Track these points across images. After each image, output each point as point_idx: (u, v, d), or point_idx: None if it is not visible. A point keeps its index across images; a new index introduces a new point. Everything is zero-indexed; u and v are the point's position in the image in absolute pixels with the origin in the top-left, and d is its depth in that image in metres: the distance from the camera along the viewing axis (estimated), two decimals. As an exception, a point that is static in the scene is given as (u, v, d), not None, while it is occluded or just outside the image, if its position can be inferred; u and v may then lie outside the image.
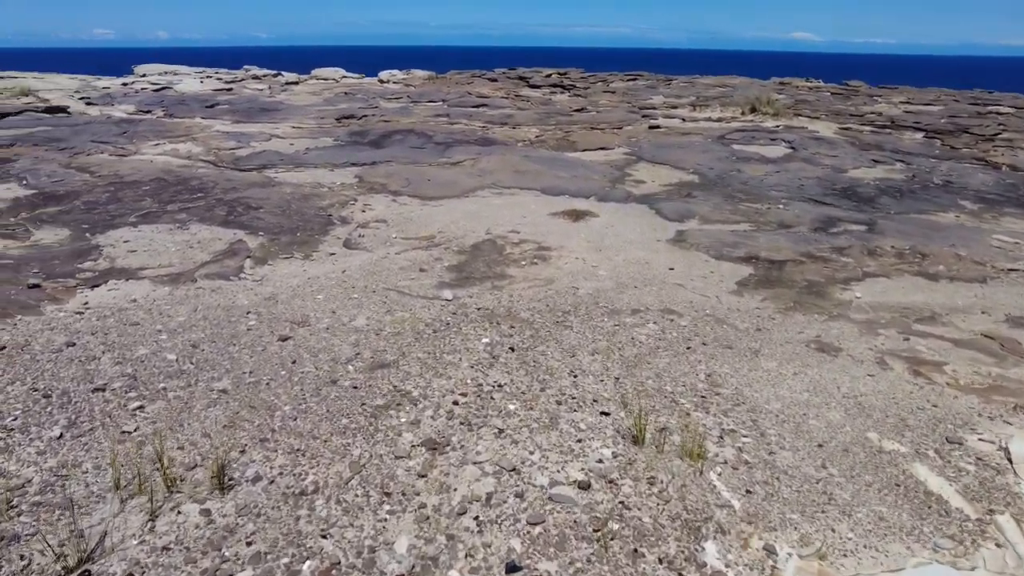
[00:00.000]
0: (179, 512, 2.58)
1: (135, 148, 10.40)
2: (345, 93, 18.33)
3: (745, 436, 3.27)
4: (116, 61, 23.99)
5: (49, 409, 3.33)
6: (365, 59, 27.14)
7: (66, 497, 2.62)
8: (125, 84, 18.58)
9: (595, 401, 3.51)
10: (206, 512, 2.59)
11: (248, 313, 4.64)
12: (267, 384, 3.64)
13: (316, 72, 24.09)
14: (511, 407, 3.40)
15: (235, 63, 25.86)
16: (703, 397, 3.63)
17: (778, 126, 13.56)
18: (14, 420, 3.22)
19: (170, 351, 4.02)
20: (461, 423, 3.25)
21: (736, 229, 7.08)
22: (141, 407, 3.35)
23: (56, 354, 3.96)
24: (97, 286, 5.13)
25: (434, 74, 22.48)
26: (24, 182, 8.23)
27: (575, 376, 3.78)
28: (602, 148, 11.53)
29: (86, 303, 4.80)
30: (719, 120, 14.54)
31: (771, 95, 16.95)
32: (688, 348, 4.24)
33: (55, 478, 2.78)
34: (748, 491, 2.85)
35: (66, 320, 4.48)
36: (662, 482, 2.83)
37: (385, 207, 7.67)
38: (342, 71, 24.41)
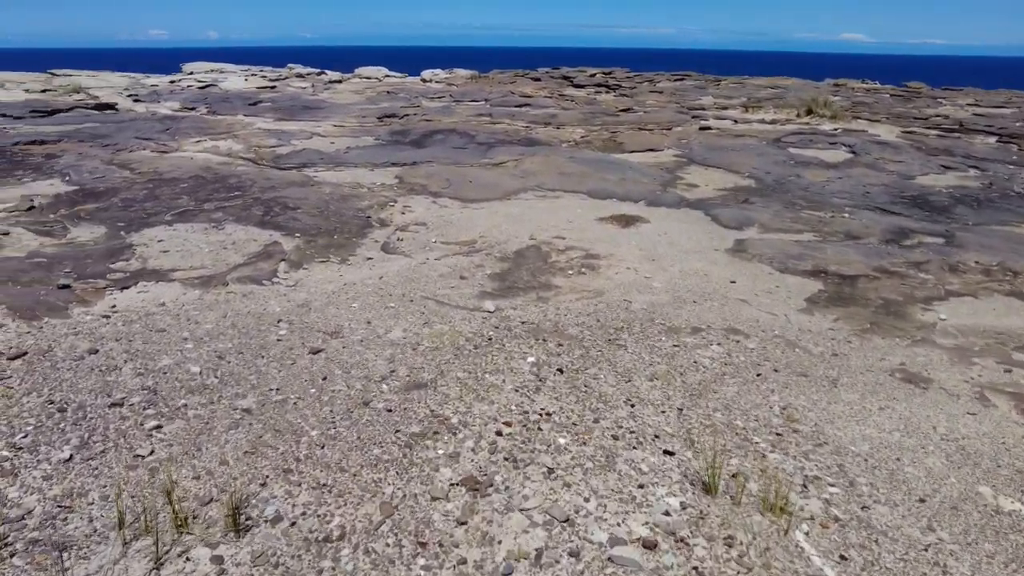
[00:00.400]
0: (187, 559, 2.28)
1: (176, 145, 10.34)
2: (387, 92, 18.19)
3: (832, 485, 2.83)
4: (168, 60, 24.37)
5: (62, 425, 3.08)
6: (409, 59, 27.07)
7: (64, 536, 2.34)
8: (172, 82, 18.78)
9: (656, 437, 3.11)
10: (217, 560, 2.29)
11: (279, 322, 4.36)
12: (294, 404, 3.33)
13: (359, 71, 24.09)
14: (561, 441, 3.02)
15: (280, 62, 26.07)
16: (779, 435, 3.19)
17: (836, 129, 12.86)
18: (24, 437, 2.98)
19: (194, 362, 3.76)
20: (505, 459, 2.88)
21: (800, 239, 6.56)
22: (158, 427, 3.08)
23: (77, 362, 3.73)
24: (127, 288, 4.93)
25: (477, 73, 22.22)
26: (67, 178, 8.18)
27: (632, 405, 3.38)
28: (651, 150, 11.06)
29: (114, 306, 4.59)
30: (773, 122, 13.89)
31: (827, 97, 16.18)
32: (758, 375, 3.80)
33: (58, 509, 2.51)
34: (843, 556, 2.42)
35: (92, 324, 4.27)
36: (742, 543, 2.42)
37: (425, 209, 7.37)
38: (385, 70, 24.36)
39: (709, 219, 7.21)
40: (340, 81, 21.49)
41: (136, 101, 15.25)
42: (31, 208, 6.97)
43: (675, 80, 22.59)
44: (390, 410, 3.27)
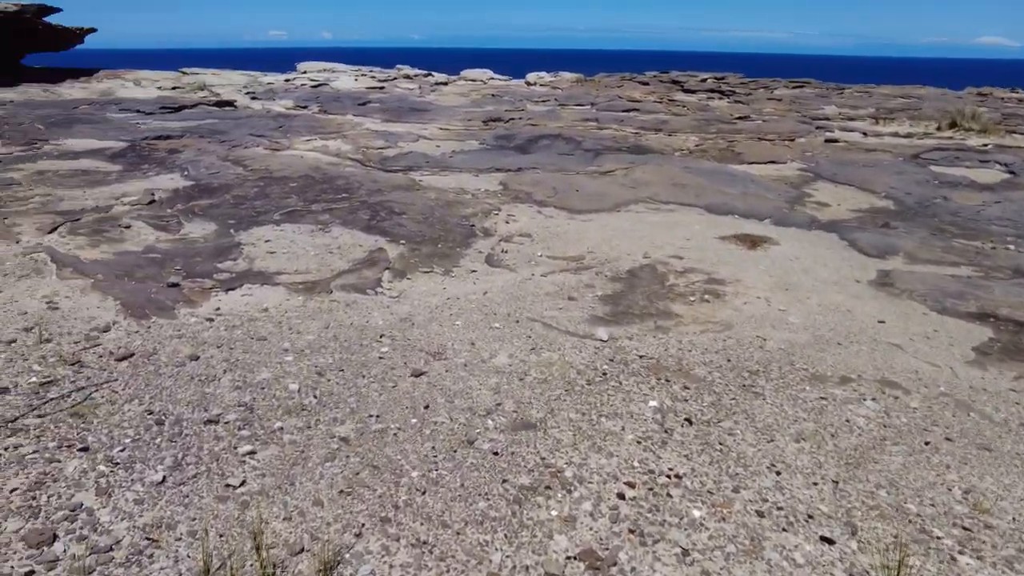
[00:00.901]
0: (273, 627, 2.01)
1: (288, 143, 10.56)
2: (492, 95, 18.10)
3: (1051, 609, 2.22)
4: (286, 59, 25.45)
5: (159, 441, 2.94)
6: (513, 61, 26.99)
7: (146, 581, 2.14)
8: (287, 80, 19.51)
9: (810, 517, 2.60)
10: (306, 631, 2.00)
11: (381, 337, 4.13)
12: (394, 435, 3.06)
13: (464, 73, 24.23)
14: (696, 513, 2.57)
15: (389, 62, 26.67)
16: (967, 529, 2.59)
17: (987, 145, 11.50)
18: (122, 451, 2.85)
19: (293, 378, 3.57)
20: (631, 531, 2.46)
21: (956, 273, 5.72)
22: (252, 452, 2.88)
23: (178, 369, 3.63)
24: (232, 289, 4.88)
25: (582, 76, 21.79)
26: (185, 173, 8.46)
27: (778, 473, 2.87)
28: (772, 162, 10.25)
29: (218, 309, 4.53)
30: (908, 136, 12.64)
31: (973, 108, 14.60)
32: (927, 444, 3.18)
33: (145, 542, 2.33)
34: None
35: (195, 328, 4.20)
36: None
37: (530, 219, 7.04)
38: (489, 72, 24.38)
39: (846, 244, 6.46)
40: (446, 83, 21.65)
41: (253, 99, 15.88)
42: (152, 202, 7.20)
43: (793, 87, 21.24)
44: (496, 453, 2.93)
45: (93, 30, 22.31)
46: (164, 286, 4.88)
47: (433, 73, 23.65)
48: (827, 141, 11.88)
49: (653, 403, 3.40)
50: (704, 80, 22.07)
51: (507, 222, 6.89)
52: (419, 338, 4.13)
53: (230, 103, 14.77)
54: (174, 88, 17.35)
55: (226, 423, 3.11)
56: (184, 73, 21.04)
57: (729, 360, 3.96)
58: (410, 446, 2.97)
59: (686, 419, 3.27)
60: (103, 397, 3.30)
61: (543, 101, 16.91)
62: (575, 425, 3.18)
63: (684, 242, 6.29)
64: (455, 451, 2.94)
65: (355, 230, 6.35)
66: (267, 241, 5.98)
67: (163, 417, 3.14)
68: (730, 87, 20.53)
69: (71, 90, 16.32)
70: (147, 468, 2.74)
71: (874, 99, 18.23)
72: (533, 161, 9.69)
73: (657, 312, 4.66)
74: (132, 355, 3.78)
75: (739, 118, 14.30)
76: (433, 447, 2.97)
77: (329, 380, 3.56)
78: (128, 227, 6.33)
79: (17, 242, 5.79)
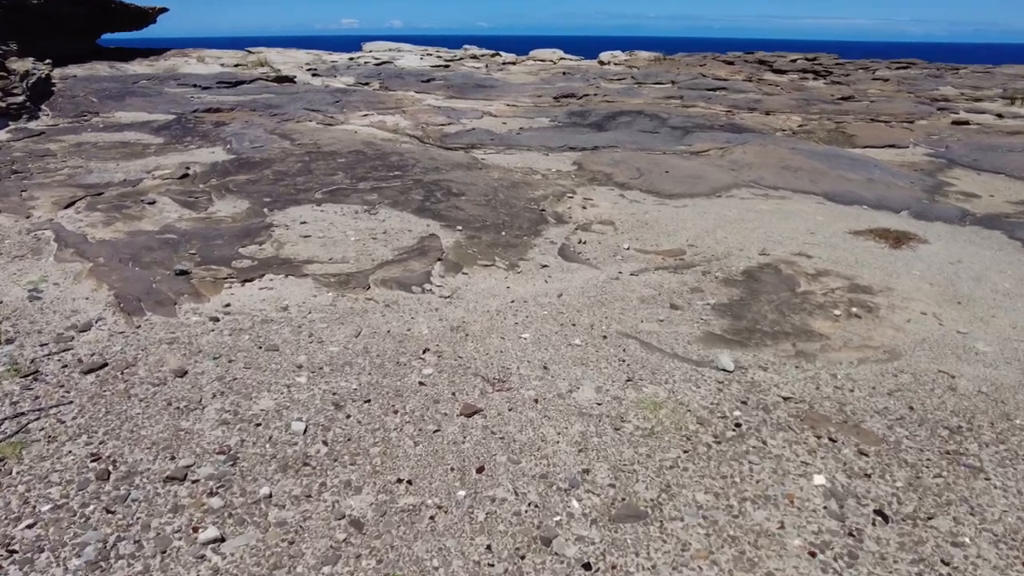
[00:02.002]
0: None
1: (343, 118, 9.72)
2: (563, 73, 16.89)
3: None
4: (356, 46, 24.85)
5: (91, 509, 2.01)
6: (582, 47, 25.63)
7: None
8: (352, 59, 18.84)
9: None
10: None
11: (425, 352, 3.12)
12: (431, 518, 2.03)
13: (534, 53, 23.05)
14: None
15: (456, 46, 25.75)
16: None
17: None
18: (30, 527, 1.93)
19: (302, 409, 2.59)
20: None
21: None
22: (217, 541, 1.90)
23: (156, 389, 2.71)
24: (250, 280, 3.96)
25: (661, 55, 20.27)
26: (229, 146, 7.70)
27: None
28: (891, 145, 8.74)
29: (228, 305, 3.62)
30: (1054, 117, 10.76)
31: None
32: None
33: None
34: None
35: (194, 330, 3.29)
36: None
37: (611, 204, 5.89)
38: (560, 52, 23.12)
39: (1020, 245, 5.05)
40: (514, 63, 20.55)
41: (314, 75, 15.22)
42: (184, 176, 6.43)
43: (898, 68, 19.13)
44: (588, 566, 1.85)
45: (165, 10, 22.24)
46: (171, 274, 4.02)
47: (501, 53, 22.57)
48: (955, 123, 10.18)
49: (820, 479, 2.26)
50: (794, 60, 20.20)
51: (584, 207, 5.77)
52: (474, 356, 3.10)
53: (290, 79, 14.13)
54: (236, 65, 16.92)
55: (194, 482, 2.15)
56: (250, 52, 20.69)
57: (912, 408, 2.75)
58: (454, 542, 1.94)
59: (877, 512, 2.12)
60: (43, 429, 2.41)
61: (619, 79, 15.61)
62: (707, 517, 2.07)
63: (808, 236, 5.03)
64: (523, 556, 1.89)
65: (406, 212, 5.37)
66: (302, 223, 5.07)
67: (111, 466, 2.21)
68: (824, 68, 18.64)
69: (137, 66, 16.06)
70: (55, 564, 1.81)
71: (998, 79, 16.07)
72: (612, 139, 8.51)
73: (794, 330, 3.47)
74: (104, 366, 2.90)
75: (843, 99, 12.65)
76: (489, 546, 1.92)
77: (349, 416, 2.57)
78: (152, 203, 5.55)
79: (28, 217, 5.08)
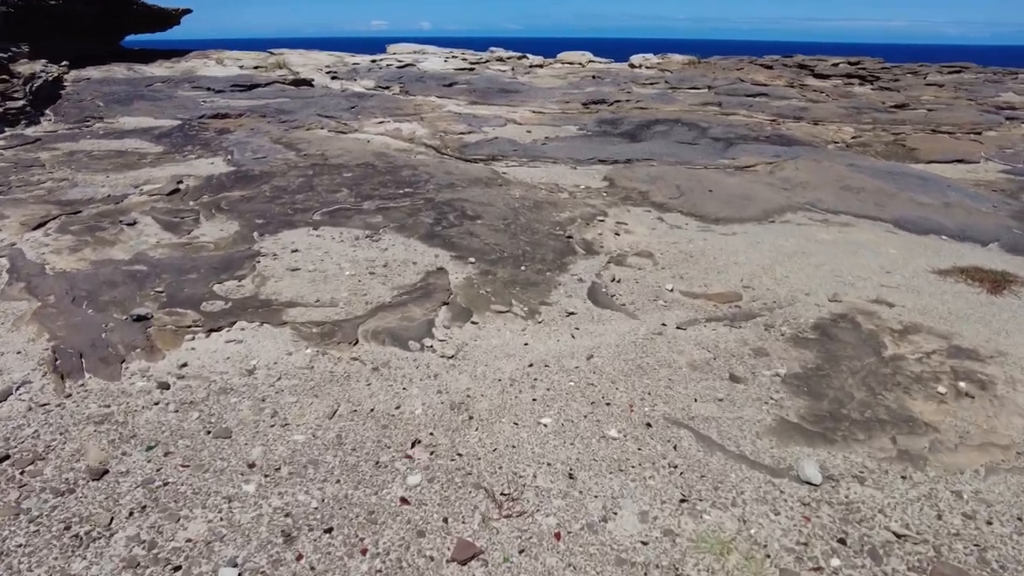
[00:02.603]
0: None
1: (357, 125, 9.10)
2: (593, 77, 16.14)
3: None
4: (382, 49, 24.37)
5: None
6: (611, 50, 24.84)
7: None
8: (374, 61, 18.31)
9: None
10: None
11: (415, 446, 2.42)
12: None
13: (562, 56, 22.31)
14: None
15: (484, 48, 25.12)
16: None
17: None
18: None
19: (239, 545, 1.91)
20: None
21: None
22: None
23: (56, 502, 2.06)
24: (218, 330, 3.31)
25: (695, 58, 19.38)
26: (229, 157, 7.11)
27: None
28: (959, 160, 7.84)
29: (184, 365, 2.96)
30: None
31: None
32: None
33: None
34: None
35: (135, 403, 2.64)
36: None
37: (648, 229, 5.15)
38: (589, 55, 22.34)
39: None
40: (541, 65, 19.84)
41: (334, 78, 14.68)
42: (175, 192, 5.83)
43: (949, 72, 18.00)
44: None
45: (188, 11, 22.00)
46: (127, 320, 3.38)
47: (528, 55, 21.88)
48: (1028, 134, 9.21)
49: None
50: (836, 65, 19.17)
51: (617, 233, 5.03)
52: (477, 452, 2.39)
53: (307, 82, 13.60)
54: (256, 67, 16.48)
55: None
56: (271, 53, 20.31)
57: (1084, 555, 1.97)
58: None
59: None
60: None
61: (651, 83, 14.80)
62: None
63: (884, 276, 4.23)
64: None
65: (412, 239, 4.69)
66: (294, 251, 4.42)
67: (-51, 650, 1.54)
68: (870, 72, 17.60)
69: (155, 68, 15.69)
70: None
71: (1063, 85, 14.91)
72: (647, 151, 7.74)
73: (891, 416, 2.69)
74: (6, 458, 2.25)
75: (896, 107, 11.69)
76: None
77: (300, 558, 1.88)
78: (132, 224, 4.95)
79: (-11, 240, 4.52)
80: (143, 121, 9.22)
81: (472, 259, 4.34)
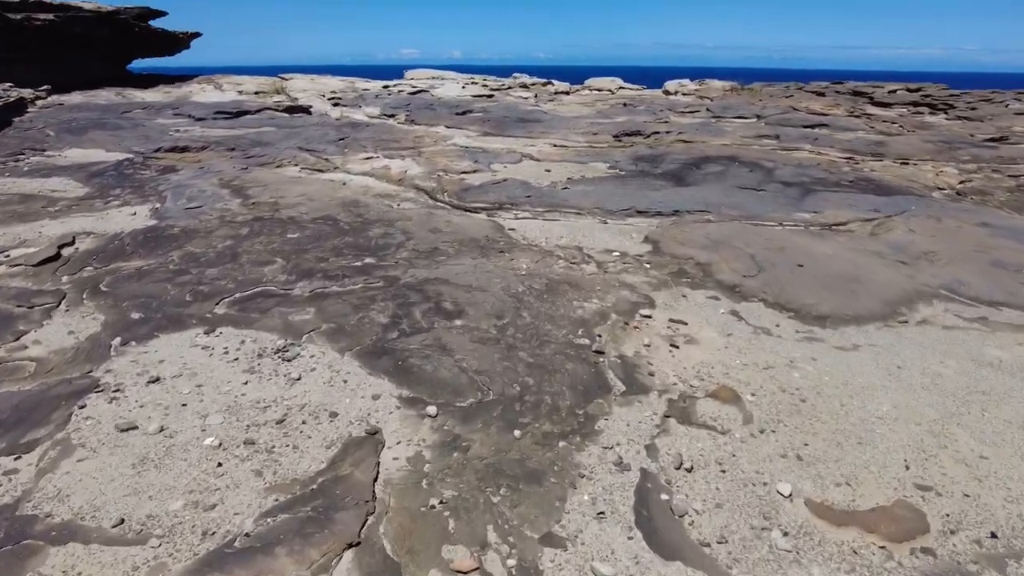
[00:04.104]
0: None
1: (340, 161, 7.48)
2: (624, 104, 14.46)
3: None
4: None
5: None
6: (640, 77, 23.16)
7: None
8: (385, 87, 16.90)
9: None
10: None
11: None
12: None
13: (589, 82, 20.74)
14: None
15: (509, 76, 23.70)
16: None
17: None
18: None
19: None
20: None
21: None
22: None
23: None
24: None
25: (737, 85, 17.63)
26: (157, 206, 5.51)
27: None
28: (1116, 215, 5.89)
29: None
30: None
31: None
32: None
33: None
34: None
35: None
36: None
37: (720, 335, 3.34)
38: (619, 81, 20.74)
39: None
40: (567, 92, 18.25)
41: (336, 105, 13.22)
42: (51, 260, 4.20)
43: (1029, 99, 15.95)
44: None
45: (198, 34, 21.01)
46: None
47: (553, 81, 20.35)
48: None
49: None
50: (893, 91, 17.25)
51: (674, 344, 3.24)
52: None
53: (304, 109, 12.14)
54: (257, 92, 15.15)
55: None
56: (282, 78, 19.11)
57: None
58: None
59: None
60: None
61: (691, 112, 13.05)
62: None
63: None
64: None
65: (348, 356, 2.95)
66: (152, 381, 2.73)
67: None
68: (937, 99, 15.64)
69: (149, 94, 14.41)
70: None
71: None
72: (699, 199, 5.95)
73: None
74: None
75: (992, 140, 9.74)
76: None
77: None
78: (-54, 319, 3.30)
79: None
80: (89, 155, 7.73)
81: (434, 404, 2.58)
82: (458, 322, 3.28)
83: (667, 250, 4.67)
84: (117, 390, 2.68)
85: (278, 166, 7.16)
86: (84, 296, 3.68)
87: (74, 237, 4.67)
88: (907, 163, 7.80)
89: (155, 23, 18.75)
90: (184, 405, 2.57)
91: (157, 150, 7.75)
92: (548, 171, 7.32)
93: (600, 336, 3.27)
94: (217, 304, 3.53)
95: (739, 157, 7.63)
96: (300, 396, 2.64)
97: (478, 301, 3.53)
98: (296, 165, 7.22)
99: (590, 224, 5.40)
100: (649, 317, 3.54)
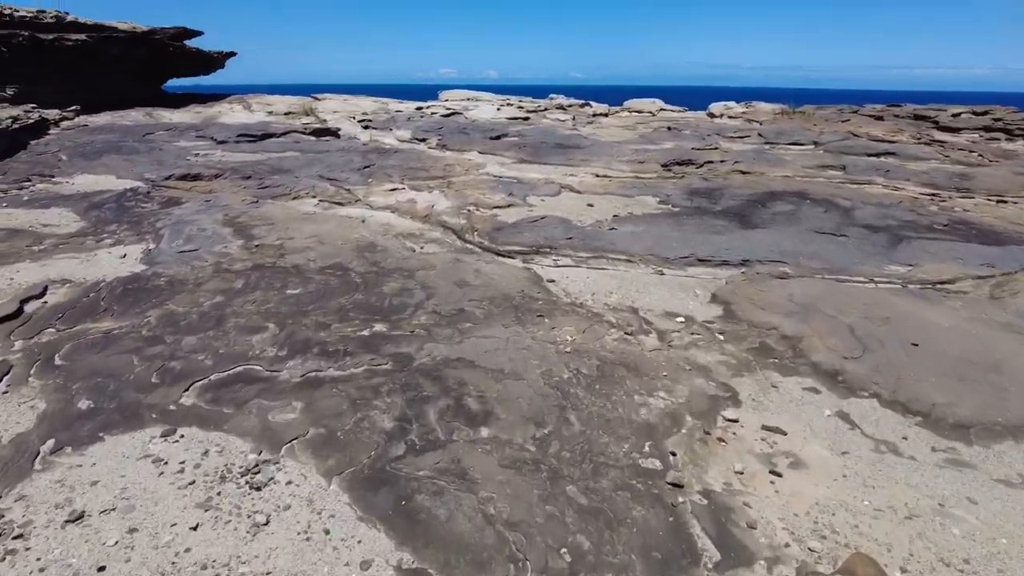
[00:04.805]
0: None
1: (362, 192, 6.81)
2: (668, 128, 13.65)
3: None
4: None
5: None
6: (678, 98, 22.27)
7: None
8: (418, 108, 16.37)
9: None
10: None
11: None
12: None
13: (629, 103, 19.98)
14: None
15: (544, 96, 23.10)
16: None
17: None
18: None
19: None
20: None
21: None
22: None
23: None
24: None
25: (788, 108, 16.66)
26: (151, 247, 4.88)
27: None
28: None
29: None
30: None
31: None
32: None
33: None
34: None
35: None
36: None
37: (833, 455, 2.51)
38: (660, 103, 19.93)
39: None
40: (606, 114, 17.51)
41: (366, 128, 12.69)
42: (2, 320, 3.56)
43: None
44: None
45: (232, 54, 20.95)
46: None
47: (591, 103, 19.65)
48: None
49: None
50: (958, 115, 16.09)
51: (776, 472, 2.41)
52: None
53: (332, 132, 11.61)
54: (287, 113, 14.75)
55: None
56: (315, 98, 18.81)
57: None
58: None
59: None
60: None
61: (741, 137, 12.17)
62: None
63: None
64: None
65: (336, 485, 2.20)
66: (68, 521, 2.06)
67: None
68: (1013, 124, 14.46)
69: (178, 114, 14.10)
70: None
71: None
72: (770, 245, 5.10)
73: None
74: None
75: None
76: None
77: None
78: None
79: None
80: (99, 182, 7.21)
81: (448, 586, 1.79)
82: (484, 431, 2.50)
83: (742, 315, 3.83)
84: (19, 536, 1.96)
85: (294, 198, 6.52)
86: (32, 372, 3.01)
87: (46, 287, 4.03)
88: (1004, 201, 6.82)
89: (191, 43, 18.66)
90: (101, 571, 1.83)
91: (168, 177, 7.20)
92: (591, 206, 6.54)
93: (674, 454, 2.45)
94: (187, 390, 2.82)
95: (808, 193, 6.74)
96: (263, 559, 1.89)
97: (511, 396, 2.75)
98: (314, 197, 6.57)
99: (644, 275, 4.59)
100: (735, 421, 2.71)
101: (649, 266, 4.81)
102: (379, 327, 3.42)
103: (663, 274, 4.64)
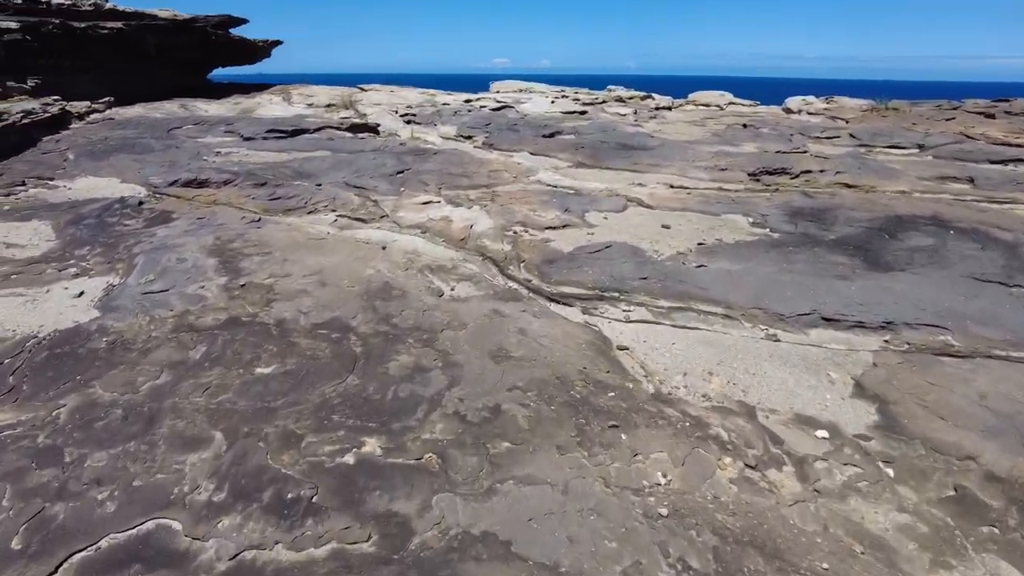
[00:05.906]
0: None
1: (390, 206, 5.72)
2: (743, 125, 12.14)
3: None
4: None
5: None
6: (742, 89, 20.44)
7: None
8: (467, 101, 15.27)
9: None
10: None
11: None
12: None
13: (695, 96, 18.39)
14: None
15: (601, 87, 21.68)
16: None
17: None
18: None
19: None
20: None
21: None
22: None
23: None
24: None
25: (879, 104, 14.84)
26: (116, 282, 3.89)
27: None
28: None
29: None
30: None
31: None
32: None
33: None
34: None
35: None
36: None
37: None
38: (728, 96, 18.28)
39: None
40: (670, 108, 16.04)
41: (408, 122, 11.64)
42: None
43: None
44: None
45: (278, 43, 20.30)
46: None
47: (653, 95, 18.17)
48: None
49: None
50: (1079, 111, 13.99)
51: None
52: None
53: (371, 128, 10.60)
54: (328, 105, 13.86)
55: None
56: (362, 89, 17.95)
57: None
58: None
59: None
60: None
61: (829, 137, 10.60)
62: None
63: None
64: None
65: None
66: None
67: None
68: None
69: (214, 106, 13.35)
70: None
71: None
72: (919, 299, 3.76)
73: None
74: None
75: None
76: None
77: None
78: None
79: None
80: (98, 186, 6.34)
81: None
82: None
83: (912, 426, 2.56)
84: None
85: (309, 212, 5.48)
86: None
87: (-47, 348, 3.06)
88: None
89: (236, 31, 18.03)
90: None
91: (172, 183, 6.27)
92: (666, 227, 5.29)
93: None
94: (53, 573, 1.75)
95: (946, 219, 5.31)
96: None
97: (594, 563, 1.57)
98: (333, 211, 5.51)
99: (751, 342, 3.34)
100: None
101: (756, 325, 3.55)
102: (368, 447, 2.29)
103: (778, 341, 3.38)
